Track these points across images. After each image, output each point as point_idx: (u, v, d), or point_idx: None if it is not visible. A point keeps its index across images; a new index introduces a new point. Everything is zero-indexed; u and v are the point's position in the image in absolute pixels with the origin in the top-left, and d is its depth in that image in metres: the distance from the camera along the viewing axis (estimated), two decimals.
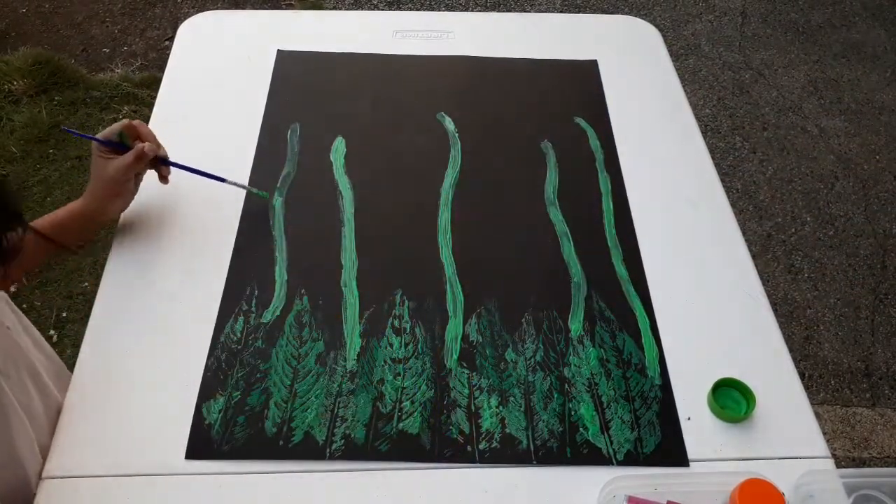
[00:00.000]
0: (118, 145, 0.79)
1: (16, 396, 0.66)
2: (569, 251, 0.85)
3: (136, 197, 0.84)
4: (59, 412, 0.69)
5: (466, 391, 0.72)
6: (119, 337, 0.74)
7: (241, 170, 0.91)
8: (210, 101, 1.00)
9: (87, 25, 2.45)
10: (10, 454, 0.64)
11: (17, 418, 0.66)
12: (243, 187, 0.86)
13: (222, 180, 0.85)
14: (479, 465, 0.67)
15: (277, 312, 0.77)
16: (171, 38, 1.05)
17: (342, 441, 0.67)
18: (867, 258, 1.94)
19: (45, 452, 0.66)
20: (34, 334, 0.79)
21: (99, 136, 0.78)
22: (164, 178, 0.83)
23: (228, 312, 0.77)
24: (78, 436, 0.67)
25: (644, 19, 1.21)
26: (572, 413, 0.71)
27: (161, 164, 0.82)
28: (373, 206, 0.89)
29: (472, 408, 0.71)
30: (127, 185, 0.79)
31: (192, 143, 0.92)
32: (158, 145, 0.81)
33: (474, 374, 0.73)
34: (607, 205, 0.90)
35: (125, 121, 0.80)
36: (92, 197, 0.78)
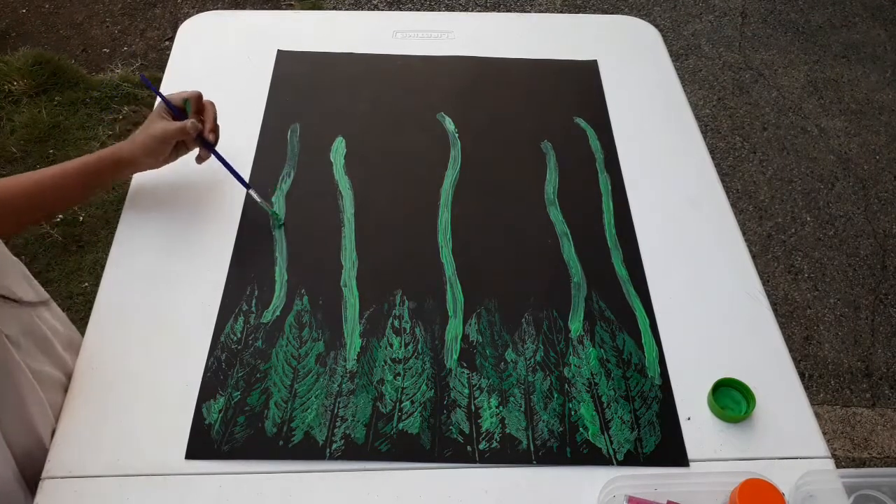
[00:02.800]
0: (178, 111, 0.82)
1: (27, 364, 0.68)
2: (569, 251, 0.85)
3: (135, 197, 0.84)
4: (67, 376, 0.72)
5: (466, 391, 0.72)
6: (119, 337, 0.74)
7: (242, 170, 0.91)
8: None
9: (87, 26, 2.45)
10: (21, 417, 0.66)
11: (28, 384, 0.67)
12: (263, 204, 0.85)
13: (247, 187, 0.86)
14: (479, 465, 0.67)
15: (277, 312, 0.77)
16: (171, 39, 1.05)
17: (342, 441, 0.67)
18: (867, 258, 1.94)
19: (59, 416, 0.69)
20: (50, 305, 0.80)
21: (167, 95, 0.82)
22: (199, 159, 0.85)
23: (228, 312, 0.77)
24: (78, 436, 0.67)
25: (644, 19, 1.21)
26: (572, 413, 0.71)
27: (203, 145, 0.83)
28: (373, 206, 0.89)
29: (472, 408, 0.71)
30: (164, 148, 0.81)
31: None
32: (213, 130, 0.83)
33: (474, 374, 0.73)
34: (607, 205, 0.90)
35: (196, 91, 0.83)
36: (131, 143, 0.80)
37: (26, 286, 0.75)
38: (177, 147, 0.83)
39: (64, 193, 0.78)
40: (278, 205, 0.88)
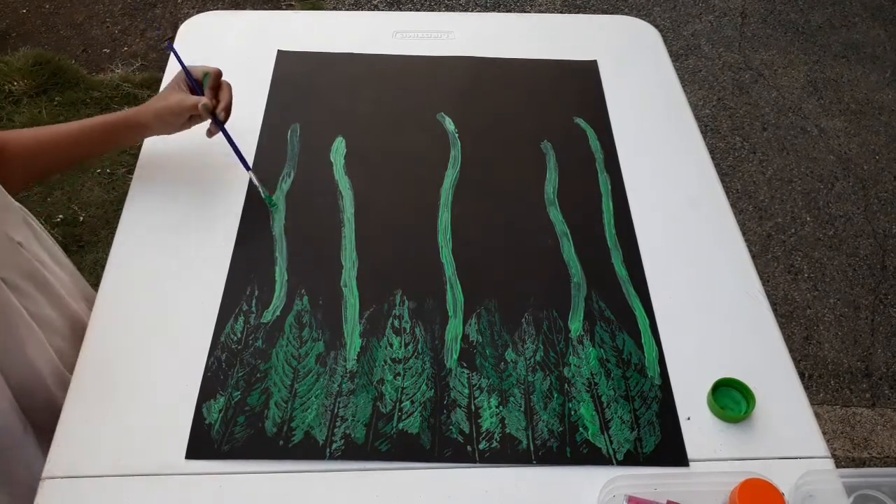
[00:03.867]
0: (196, 84, 0.84)
1: (25, 306, 0.71)
2: (569, 251, 0.85)
3: (135, 198, 0.85)
4: (74, 322, 0.77)
5: (466, 391, 0.72)
6: (119, 337, 0.74)
7: (242, 170, 0.91)
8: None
9: (87, 26, 2.45)
10: (21, 358, 0.69)
11: (25, 326, 0.70)
12: (261, 188, 0.86)
13: (248, 169, 0.87)
14: (479, 465, 0.67)
15: (277, 312, 0.77)
16: (172, 39, 1.05)
17: (342, 441, 0.67)
18: (867, 258, 1.94)
19: (63, 359, 0.74)
20: (51, 250, 0.83)
21: (189, 66, 0.85)
22: (209, 133, 0.86)
23: (228, 312, 0.77)
24: (78, 436, 0.67)
25: (644, 19, 1.21)
26: (572, 413, 0.71)
27: (214, 121, 0.85)
28: (373, 206, 0.89)
29: (472, 408, 0.71)
30: (176, 119, 0.83)
31: (192, 143, 0.92)
32: (226, 108, 0.85)
33: (474, 374, 0.73)
34: (607, 205, 0.90)
35: (216, 69, 0.85)
36: (147, 109, 0.83)
37: (27, 231, 0.77)
38: (191, 119, 0.85)
39: (81, 147, 0.82)
40: (278, 205, 0.88)
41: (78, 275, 0.87)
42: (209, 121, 0.85)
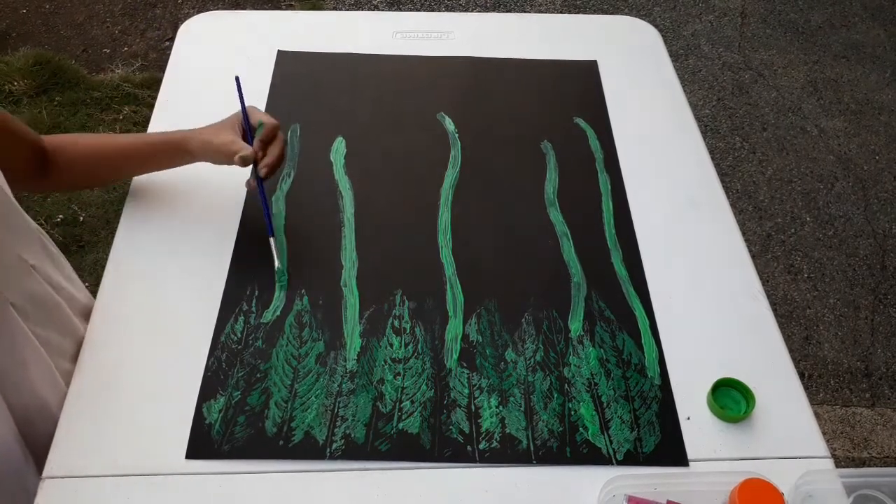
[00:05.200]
0: (250, 130, 0.79)
1: (33, 331, 0.70)
2: (569, 251, 0.85)
3: (136, 197, 0.86)
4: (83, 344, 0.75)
5: (466, 391, 0.72)
6: (119, 337, 0.74)
7: (242, 170, 0.91)
8: (210, 102, 0.99)
9: (87, 26, 2.45)
10: (27, 385, 0.68)
11: (32, 351, 0.69)
12: (276, 257, 0.80)
13: (271, 235, 0.81)
14: (479, 465, 0.67)
15: (277, 312, 0.77)
16: (172, 39, 1.05)
17: (342, 441, 0.67)
18: (867, 258, 1.94)
19: (70, 382, 0.71)
20: (66, 271, 0.82)
21: (250, 110, 0.80)
22: (247, 183, 0.80)
23: (228, 312, 0.77)
24: (78, 436, 0.67)
25: (644, 19, 1.21)
26: (572, 413, 0.71)
27: (254, 174, 0.79)
28: (373, 206, 0.89)
29: (472, 408, 0.71)
30: (219, 158, 0.79)
31: None
32: (270, 166, 0.78)
33: (474, 374, 0.73)
34: (607, 205, 0.90)
35: (274, 123, 0.79)
36: (196, 136, 0.79)
37: (42, 254, 0.77)
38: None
39: (130, 162, 0.83)
40: (279, 205, 0.88)
41: (89, 296, 0.85)
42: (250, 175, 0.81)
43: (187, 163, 0.83)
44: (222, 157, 0.78)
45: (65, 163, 0.79)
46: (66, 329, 0.76)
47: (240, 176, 0.90)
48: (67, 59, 2.26)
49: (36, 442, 0.69)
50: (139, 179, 0.89)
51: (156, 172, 0.86)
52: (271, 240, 0.81)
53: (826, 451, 0.69)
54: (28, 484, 0.67)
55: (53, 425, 0.68)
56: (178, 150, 0.81)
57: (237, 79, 0.83)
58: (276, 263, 0.80)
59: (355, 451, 0.67)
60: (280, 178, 0.91)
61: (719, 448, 0.68)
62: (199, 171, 0.89)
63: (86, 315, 0.80)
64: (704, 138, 1.00)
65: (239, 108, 0.81)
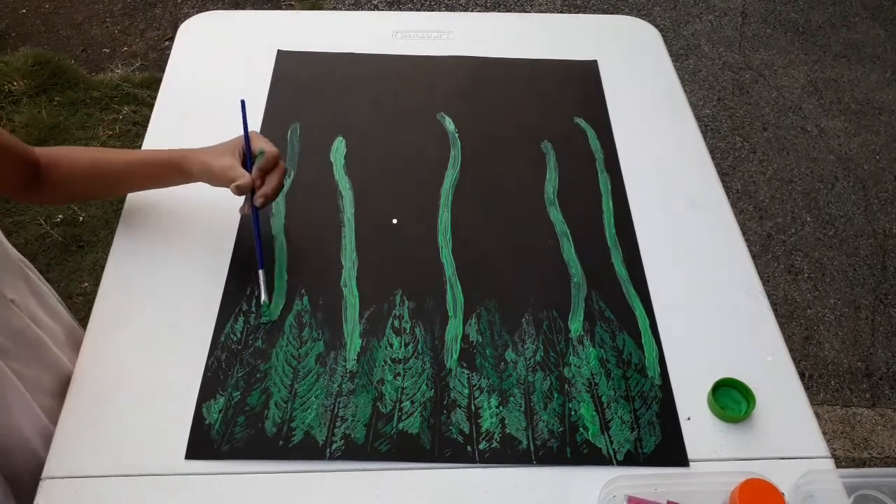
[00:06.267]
0: (249, 157, 0.77)
1: (14, 368, 0.69)
2: (569, 251, 0.85)
3: (136, 197, 0.85)
4: (63, 377, 0.73)
5: (466, 391, 0.72)
6: (119, 337, 0.74)
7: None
8: (210, 101, 1.00)
9: (87, 26, 2.45)
10: (6, 420, 0.67)
11: (11, 388, 0.68)
12: (263, 290, 0.77)
13: (260, 267, 0.78)
14: (479, 465, 0.67)
15: (277, 312, 0.77)
16: (171, 39, 1.05)
17: (342, 441, 0.67)
18: (867, 258, 1.94)
19: (51, 416, 0.70)
20: (48, 303, 0.81)
21: (252, 136, 0.77)
22: (241, 209, 0.78)
23: (228, 312, 0.77)
24: (78, 436, 0.67)
25: (644, 19, 1.21)
26: (572, 413, 0.71)
27: (250, 203, 0.77)
28: (373, 206, 0.89)
29: (472, 408, 0.71)
30: (217, 182, 0.77)
31: (192, 143, 0.92)
32: (266, 195, 0.76)
33: (474, 374, 0.73)
34: (607, 205, 0.90)
35: (275, 152, 0.76)
36: (196, 157, 0.77)
37: (23, 288, 0.75)
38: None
39: (128, 179, 0.81)
40: (279, 205, 0.88)
41: (73, 325, 0.84)
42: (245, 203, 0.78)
43: (185, 183, 0.81)
44: (221, 181, 0.76)
45: (59, 178, 0.77)
46: (47, 364, 0.74)
47: None
48: (67, 58, 2.26)
49: (18, 480, 0.68)
50: None
51: None
52: (260, 272, 0.78)
53: (826, 451, 0.69)
54: None
55: (36, 463, 0.66)
56: (177, 171, 0.78)
57: (242, 102, 0.80)
58: (263, 297, 0.77)
59: (355, 452, 0.67)
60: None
61: (719, 448, 0.68)
62: None
63: (71, 345, 0.78)
64: (704, 138, 1.00)
65: (242, 133, 0.78)
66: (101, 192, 0.87)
